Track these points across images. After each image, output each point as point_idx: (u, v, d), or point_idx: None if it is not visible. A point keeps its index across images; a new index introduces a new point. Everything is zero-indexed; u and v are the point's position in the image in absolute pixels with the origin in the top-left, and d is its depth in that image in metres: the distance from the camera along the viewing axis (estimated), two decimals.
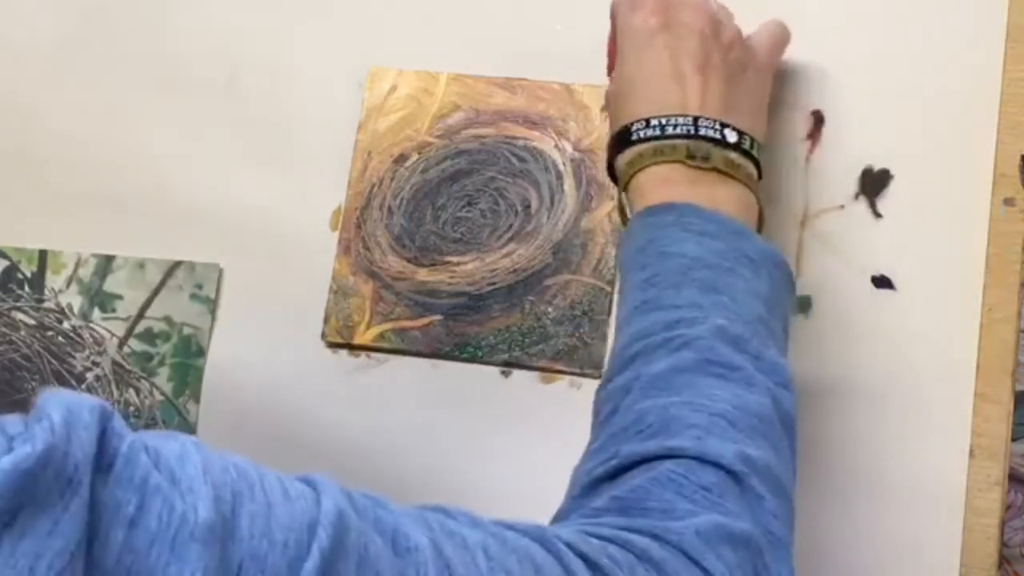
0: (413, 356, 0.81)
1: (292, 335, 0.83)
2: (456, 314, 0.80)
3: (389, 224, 0.82)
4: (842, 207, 0.77)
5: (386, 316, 0.81)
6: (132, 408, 0.84)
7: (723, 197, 0.67)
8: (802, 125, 0.78)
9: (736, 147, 0.68)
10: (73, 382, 0.85)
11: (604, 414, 0.62)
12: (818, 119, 0.78)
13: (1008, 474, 0.72)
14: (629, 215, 0.69)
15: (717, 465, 0.56)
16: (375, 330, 0.81)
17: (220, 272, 0.85)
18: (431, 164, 0.82)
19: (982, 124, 0.76)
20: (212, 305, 0.85)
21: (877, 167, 0.77)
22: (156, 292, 0.85)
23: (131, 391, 0.85)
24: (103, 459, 0.43)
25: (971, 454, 0.73)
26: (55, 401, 0.43)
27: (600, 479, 0.58)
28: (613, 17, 0.74)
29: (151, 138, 0.88)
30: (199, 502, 0.44)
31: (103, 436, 0.43)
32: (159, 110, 0.88)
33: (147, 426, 0.84)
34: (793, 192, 0.78)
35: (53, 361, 0.86)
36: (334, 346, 0.82)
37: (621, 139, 0.69)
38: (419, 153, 0.83)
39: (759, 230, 0.69)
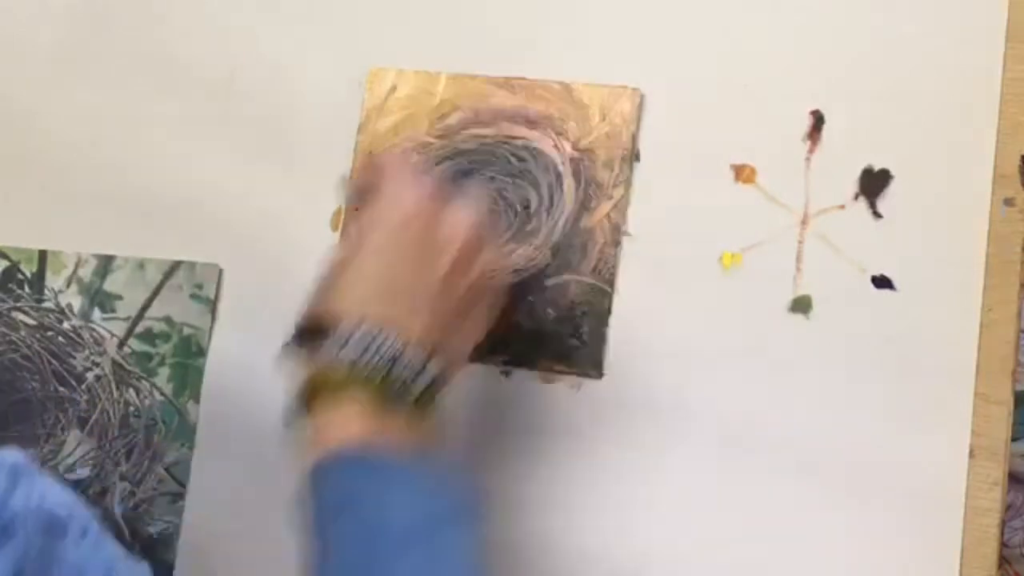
0: None
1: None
2: None
3: None
4: (842, 207, 0.77)
5: None
6: (132, 408, 0.84)
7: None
8: (802, 125, 0.78)
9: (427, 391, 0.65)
10: (73, 382, 0.85)
11: None
12: (818, 119, 0.78)
13: (1008, 474, 0.72)
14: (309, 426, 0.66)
15: None
16: None
17: (220, 272, 0.85)
18: (431, 164, 0.82)
19: (982, 124, 0.76)
20: (212, 305, 0.85)
21: (877, 167, 0.77)
22: (156, 292, 0.85)
23: (131, 391, 0.85)
24: None
25: (971, 454, 0.73)
26: None
27: None
28: (377, 169, 0.70)
29: (151, 138, 0.88)
30: None
31: None
32: (159, 110, 0.88)
33: (147, 426, 0.84)
34: (793, 192, 0.78)
35: (53, 361, 0.86)
36: None
37: (315, 332, 0.66)
38: (419, 154, 0.83)
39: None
